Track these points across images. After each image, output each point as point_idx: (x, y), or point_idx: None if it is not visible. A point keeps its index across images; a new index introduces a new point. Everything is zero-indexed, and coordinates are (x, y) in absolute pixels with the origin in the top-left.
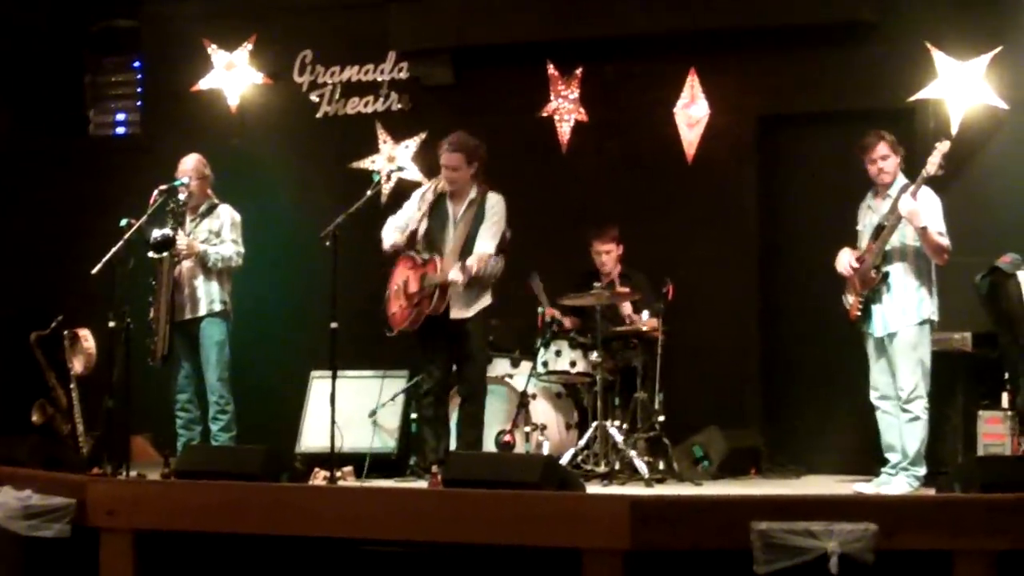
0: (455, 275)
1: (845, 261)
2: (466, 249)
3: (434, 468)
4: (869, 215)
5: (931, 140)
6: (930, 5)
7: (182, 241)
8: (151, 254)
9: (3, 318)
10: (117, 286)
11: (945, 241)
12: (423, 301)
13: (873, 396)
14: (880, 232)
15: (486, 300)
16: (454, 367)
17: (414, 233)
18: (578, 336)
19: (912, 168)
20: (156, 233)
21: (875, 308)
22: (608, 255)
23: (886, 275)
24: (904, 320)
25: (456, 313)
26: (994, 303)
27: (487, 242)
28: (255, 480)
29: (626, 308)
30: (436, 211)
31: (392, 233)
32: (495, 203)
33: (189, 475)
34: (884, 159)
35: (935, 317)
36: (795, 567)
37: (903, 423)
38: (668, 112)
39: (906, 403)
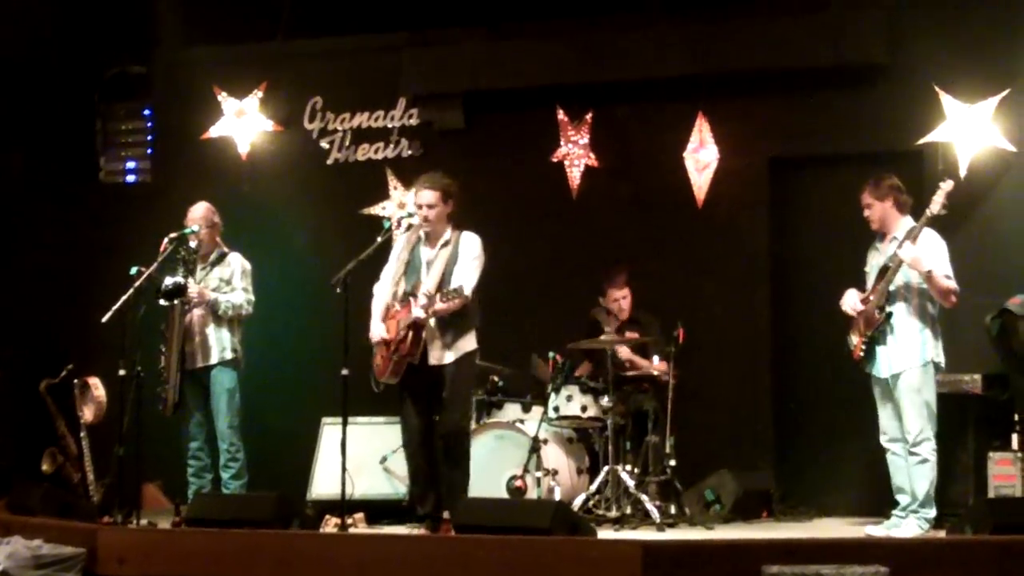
0: (416, 311)
1: (850, 301)
2: (442, 290)
3: (445, 515)
4: (876, 256)
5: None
6: (938, 48)
7: (193, 289)
8: (162, 301)
9: (13, 365)
10: (127, 334)
11: (952, 284)
12: (400, 346)
13: (883, 439)
14: (885, 273)
15: (468, 345)
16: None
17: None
18: (589, 381)
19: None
20: (168, 281)
21: (879, 349)
22: (625, 300)
23: (889, 315)
24: (908, 362)
25: (434, 359)
26: (1004, 345)
27: (463, 282)
28: (266, 527)
29: (623, 352)
30: (411, 259)
31: (381, 296)
32: (470, 240)
33: (200, 523)
34: (868, 207)
35: (939, 360)
36: None
37: (911, 466)
38: (678, 156)
39: (913, 446)
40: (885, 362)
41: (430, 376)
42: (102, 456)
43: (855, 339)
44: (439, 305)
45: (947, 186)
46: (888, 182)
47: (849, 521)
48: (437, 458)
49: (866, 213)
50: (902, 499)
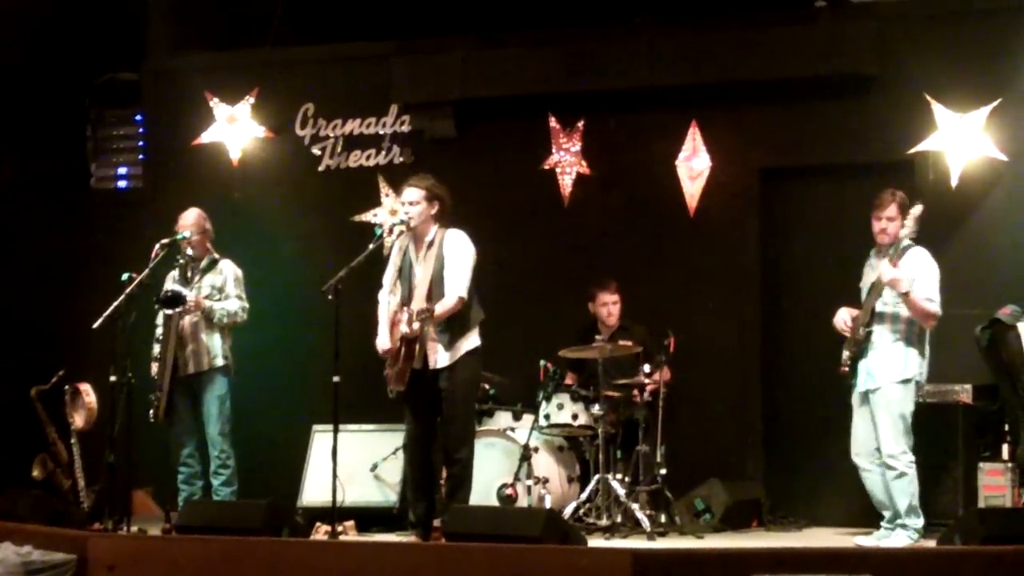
0: (404, 328)
1: (840, 318)
2: (433, 293)
3: (436, 523)
4: (870, 274)
5: (931, 192)
6: (930, 58)
7: (191, 297)
8: (167, 311)
9: (4, 372)
10: (118, 341)
11: (931, 307)
12: (397, 357)
13: (852, 454)
14: (872, 291)
15: (467, 344)
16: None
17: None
18: (580, 389)
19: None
20: (167, 287)
21: (861, 364)
22: (615, 305)
23: (869, 334)
24: (887, 377)
25: (433, 362)
26: (994, 355)
27: (454, 283)
28: (256, 535)
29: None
30: (402, 263)
31: (384, 302)
32: (454, 238)
33: (190, 530)
34: (890, 220)
35: (920, 377)
36: None
37: (889, 480)
38: (670, 164)
39: (889, 458)
40: (864, 376)
41: (432, 381)
42: (93, 463)
43: (846, 354)
44: (416, 326)
45: (916, 211)
46: (905, 200)
47: (839, 531)
48: (433, 465)
49: (885, 225)
50: (886, 512)
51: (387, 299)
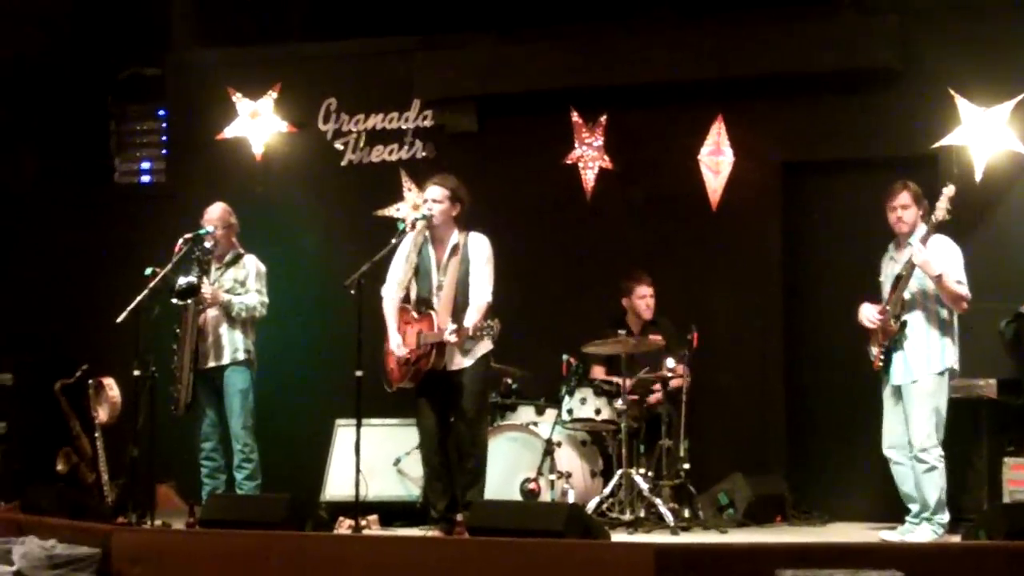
0: (451, 336)
1: (868, 314)
2: (459, 297)
3: (458, 516)
4: (891, 266)
5: (955, 187)
6: (953, 52)
7: (206, 289)
8: (175, 301)
9: (28, 366)
10: (142, 335)
11: (963, 289)
12: (421, 360)
13: (885, 447)
14: (899, 282)
15: (485, 346)
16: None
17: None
18: (603, 384)
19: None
20: (181, 280)
21: (896, 356)
22: (652, 298)
23: (904, 324)
24: (926, 368)
25: (452, 364)
26: (1019, 349)
27: (482, 288)
28: (279, 529)
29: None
30: (420, 261)
31: (392, 300)
32: (479, 243)
33: (214, 524)
34: (904, 208)
35: (955, 366)
36: None
37: (919, 474)
38: (693, 159)
39: (920, 452)
40: (901, 368)
41: (447, 380)
42: (116, 456)
43: (875, 350)
44: (473, 333)
45: (949, 191)
46: (917, 188)
47: (863, 526)
48: (452, 460)
49: (900, 214)
50: (913, 507)
51: (394, 295)
